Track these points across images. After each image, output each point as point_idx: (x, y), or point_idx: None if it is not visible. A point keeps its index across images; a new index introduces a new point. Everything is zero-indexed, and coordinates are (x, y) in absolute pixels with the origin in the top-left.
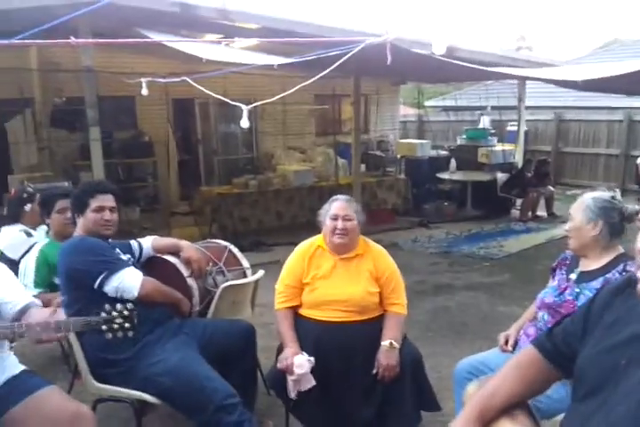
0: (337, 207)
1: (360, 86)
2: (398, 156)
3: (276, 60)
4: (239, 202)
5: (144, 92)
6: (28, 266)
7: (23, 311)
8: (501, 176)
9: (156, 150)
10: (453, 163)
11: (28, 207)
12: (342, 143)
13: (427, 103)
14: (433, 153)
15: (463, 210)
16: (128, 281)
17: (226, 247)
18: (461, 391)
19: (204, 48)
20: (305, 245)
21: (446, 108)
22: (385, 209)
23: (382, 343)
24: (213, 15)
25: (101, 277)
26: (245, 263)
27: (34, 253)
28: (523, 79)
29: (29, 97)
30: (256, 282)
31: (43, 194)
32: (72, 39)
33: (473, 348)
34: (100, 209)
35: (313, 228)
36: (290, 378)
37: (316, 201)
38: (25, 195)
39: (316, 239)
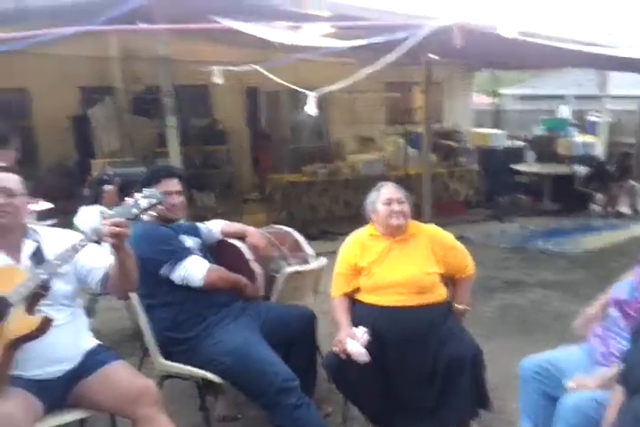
0: (388, 192)
1: (431, 74)
2: (471, 146)
3: (344, 44)
4: (308, 190)
5: (216, 80)
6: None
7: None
8: (581, 169)
9: (230, 138)
10: (530, 154)
11: (107, 188)
12: (413, 132)
13: (502, 91)
14: (508, 143)
15: (539, 204)
16: (193, 270)
17: (289, 233)
18: (528, 389)
19: (276, 33)
20: (357, 234)
21: (523, 97)
22: (456, 201)
23: (456, 306)
24: (286, 3)
25: (167, 266)
26: (308, 250)
27: None
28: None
29: (111, 85)
30: (320, 269)
31: (123, 179)
32: (141, 25)
33: (542, 348)
34: (167, 193)
35: None
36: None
37: None
38: (105, 177)
39: (365, 229)
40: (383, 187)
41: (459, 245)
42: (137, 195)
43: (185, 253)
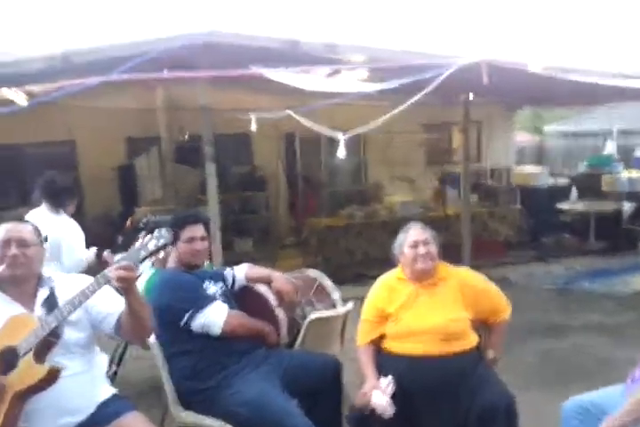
0: (414, 234)
1: (470, 113)
2: (513, 184)
3: (374, 87)
4: (345, 233)
5: (253, 127)
6: None
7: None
8: (628, 206)
9: (269, 184)
10: (574, 192)
11: (142, 236)
12: (452, 173)
13: (545, 128)
14: (551, 181)
15: (585, 243)
16: (213, 318)
17: (316, 278)
18: None
19: (311, 81)
20: (384, 278)
21: (567, 134)
22: (497, 241)
23: (488, 353)
24: (321, 50)
25: (188, 314)
26: (335, 295)
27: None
28: None
29: (156, 135)
30: (346, 315)
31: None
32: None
33: None
34: (191, 239)
35: None
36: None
37: None
38: (141, 224)
39: (393, 272)
40: (410, 229)
41: (492, 287)
42: (146, 237)
43: (207, 300)
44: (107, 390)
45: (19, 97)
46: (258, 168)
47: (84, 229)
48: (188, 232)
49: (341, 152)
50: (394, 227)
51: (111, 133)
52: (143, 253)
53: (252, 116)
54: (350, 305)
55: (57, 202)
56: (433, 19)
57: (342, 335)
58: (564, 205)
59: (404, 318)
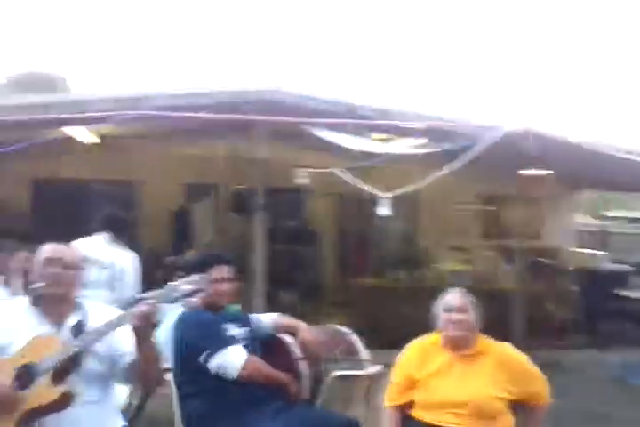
0: (451, 299)
1: (531, 189)
2: (571, 266)
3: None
4: (390, 296)
5: (303, 182)
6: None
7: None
8: None
9: (319, 240)
10: (636, 279)
11: (177, 275)
12: (508, 247)
13: (609, 213)
14: (614, 267)
15: None
16: (230, 360)
17: (345, 336)
18: None
19: (363, 143)
20: (418, 342)
21: (631, 220)
22: (551, 323)
23: None
24: (376, 115)
25: (206, 353)
26: (363, 355)
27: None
28: None
29: (213, 182)
30: (372, 378)
31: (195, 258)
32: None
33: None
34: (217, 280)
35: None
36: None
37: None
38: (175, 262)
39: (430, 336)
40: (450, 293)
41: (533, 368)
42: (181, 279)
43: (227, 341)
44: (117, 423)
45: (86, 136)
46: (309, 223)
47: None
48: (214, 272)
49: (382, 210)
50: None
51: (171, 178)
52: (175, 295)
53: (303, 173)
54: (378, 367)
55: (117, 233)
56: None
57: (368, 399)
58: (624, 292)
59: (435, 386)
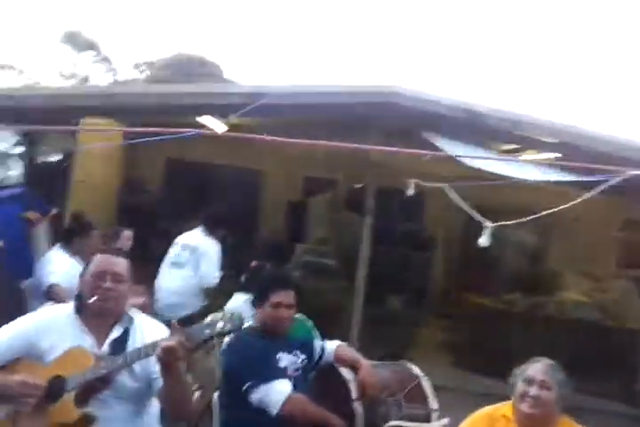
0: (535, 369)
1: None
2: None
3: (549, 177)
4: (500, 318)
5: (410, 192)
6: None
7: None
8: None
9: (435, 248)
10: None
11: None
12: None
13: None
14: None
15: None
16: (272, 397)
17: (416, 378)
18: None
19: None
20: (487, 411)
21: None
22: None
23: None
24: (503, 124)
25: (249, 384)
26: (433, 404)
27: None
28: None
29: (333, 178)
30: None
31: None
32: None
33: None
34: (278, 305)
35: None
36: None
37: (595, 343)
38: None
39: (502, 406)
40: (535, 362)
41: None
42: (220, 314)
43: (273, 374)
44: None
45: (218, 126)
46: (426, 229)
47: (246, 253)
48: (276, 297)
49: (484, 241)
50: (560, 327)
51: (292, 169)
52: (207, 333)
53: (412, 183)
54: (445, 422)
55: (213, 230)
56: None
57: None
58: None
59: None
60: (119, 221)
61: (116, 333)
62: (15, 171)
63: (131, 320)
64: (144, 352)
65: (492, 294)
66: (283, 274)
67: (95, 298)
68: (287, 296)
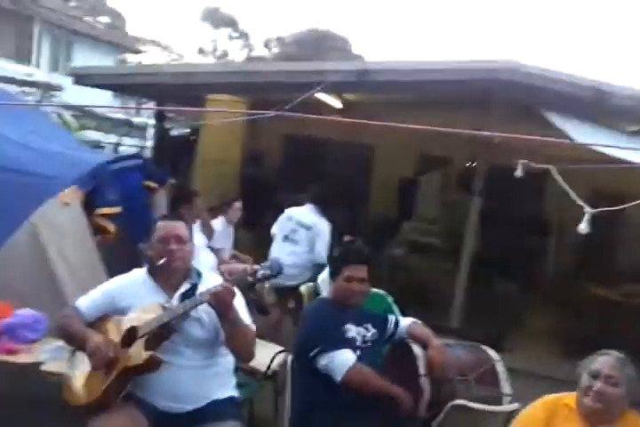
0: (602, 363)
1: None
2: None
3: None
4: (615, 310)
5: (519, 173)
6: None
7: None
8: None
9: (555, 234)
10: None
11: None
12: None
13: None
14: None
15: None
16: (337, 364)
17: (491, 360)
18: None
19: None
20: (551, 398)
21: None
22: None
23: None
24: (630, 104)
25: (316, 351)
26: (505, 388)
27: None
28: None
29: (448, 156)
30: (506, 417)
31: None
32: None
33: None
34: (350, 279)
35: None
36: None
37: None
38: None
39: (566, 396)
40: (603, 355)
41: None
42: (263, 264)
43: (338, 343)
44: (224, 391)
45: (334, 101)
46: (544, 212)
47: (354, 228)
48: (348, 271)
49: (584, 229)
50: None
51: (409, 146)
52: (250, 279)
53: (520, 164)
54: (515, 406)
55: (322, 209)
56: None
57: None
58: None
59: None
60: (242, 193)
61: (184, 288)
62: (152, 141)
63: (199, 276)
64: (199, 300)
65: (610, 285)
66: (357, 248)
67: (164, 259)
68: (359, 271)
